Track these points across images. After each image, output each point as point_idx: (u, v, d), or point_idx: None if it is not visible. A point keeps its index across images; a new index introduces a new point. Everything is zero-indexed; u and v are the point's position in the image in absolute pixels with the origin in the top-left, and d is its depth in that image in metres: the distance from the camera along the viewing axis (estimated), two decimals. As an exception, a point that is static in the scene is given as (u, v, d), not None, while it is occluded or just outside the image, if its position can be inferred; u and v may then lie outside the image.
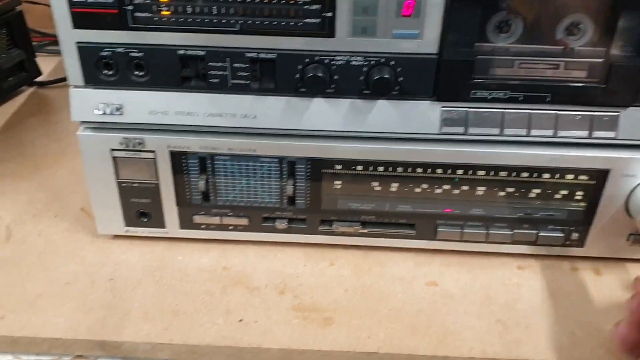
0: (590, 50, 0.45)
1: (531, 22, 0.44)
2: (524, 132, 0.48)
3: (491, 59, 0.45)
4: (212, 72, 0.46)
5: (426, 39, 0.44)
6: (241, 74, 0.46)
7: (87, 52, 0.45)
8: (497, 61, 0.46)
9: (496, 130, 0.48)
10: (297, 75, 0.46)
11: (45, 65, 0.83)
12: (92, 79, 0.47)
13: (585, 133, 0.48)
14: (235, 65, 0.46)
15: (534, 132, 0.48)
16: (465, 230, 0.53)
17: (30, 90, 0.81)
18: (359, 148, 0.49)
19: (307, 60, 0.45)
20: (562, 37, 0.45)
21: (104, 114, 0.48)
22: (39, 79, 0.82)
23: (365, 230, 0.53)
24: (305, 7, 0.43)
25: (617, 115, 0.47)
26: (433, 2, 0.43)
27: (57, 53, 0.86)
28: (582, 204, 0.51)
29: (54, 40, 0.88)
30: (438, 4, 0.43)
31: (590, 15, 0.44)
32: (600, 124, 0.47)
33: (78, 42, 0.45)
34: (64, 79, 0.81)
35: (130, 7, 0.44)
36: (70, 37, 0.45)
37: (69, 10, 0.44)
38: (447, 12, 0.43)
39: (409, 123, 0.48)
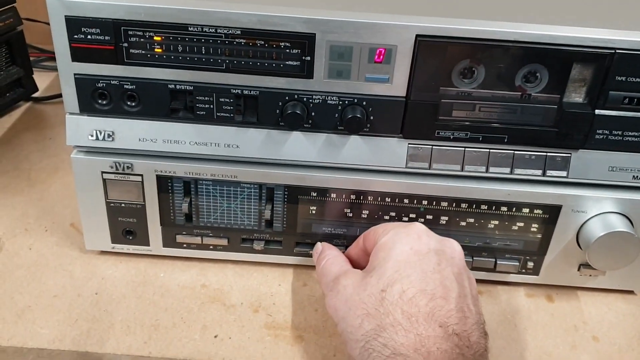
0: (545, 97, 0.50)
1: (492, 70, 0.49)
2: (483, 169, 0.52)
3: (454, 103, 0.50)
4: (199, 105, 0.50)
5: (395, 83, 0.49)
6: (226, 107, 0.50)
7: (83, 83, 0.49)
8: (460, 104, 0.50)
9: (458, 167, 0.52)
10: (278, 111, 0.50)
11: (42, 80, 0.86)
12: (87, 107, 0.50)
13: (539, 172, 0.52)
14: (221, 99, 0.50)
15: (492, 169, 0.52)
16: (429, 257, 0.57)
17: (27, 105, 0.84)
18: (333, 178, 0.53)
19: (287, 98, 0.50)
20: (520, 84, 0.50)
21: (97, 139, 0.52)
22: (36, 94, 0.85)
23: (336, 254, 0.57)
24: (287, 50, 0.47)
25: (569, 156, 0.52)
26: (402, 51, 0.47)
27: (54, 69, 0.90)
28: (537, 235, 0.56)
29: (51, 57, 0.92)
30: (406, 53, 0.47)
31: (546, 66, 0.48)
32: (553, 164, 0.52)
33: (76, 74, 0.49)
34: (60, 95, 0.84)
35: (125, 44, 0.47)
36: (68, 68, 0.49)
37: (69, 45, 0.47)
38: (414, 60, 0.47)
39: (379, 157, 0.52)
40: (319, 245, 0.55)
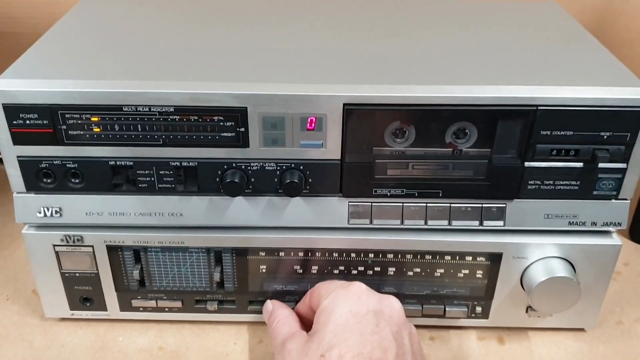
0: (476, 152, 0.51)
1: (422, 130, 0.50)
2: (421, 222, 0.54)
3: (388, 162, 0.51)
4: (140, 178, 0.52)
5: (329, 147, 0.50)
6: (167, 179, 0.52)
7: (26, 165, 0.51)
8: (394, 164, 0.51)
9: (397, 221, 0.54)
10: (217, 179, 0.52)
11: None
12: (33, 186, 0.52)
13: (476, 222, 0.54)
14: (161, 172, 0.51)
15: (430, 222, 0.54)
16: (380, 306, 0.58)
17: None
18: (279, 238, 0.55)
19: (225, 167, 0.51)
20: (451, 140, 0.51)
21: (45, 216, 0.53)
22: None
23: (290, 308, 0.59)
24: (221, 123, 0.49)
25: (504, 206, 0.53)
26: (332, 117, 0.49)
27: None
28: (483, 281, 0.57)
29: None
30: (336, 120, 0.49)
31: (474, 123, 0.50)
32: (489, 214, 0.53)
33: (18, 156, 0.50)
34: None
35: (64, 127, 0.49)
36: (11, 152, 0.50)
37: (9, 130, 0.49)
38: (344, 126, 0.49)
39: (321, 216, 0.54)
40: (269, 304, 0.56)
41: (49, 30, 0.58)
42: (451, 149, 0.51)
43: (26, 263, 0.67)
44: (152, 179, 0.52)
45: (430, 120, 0.50)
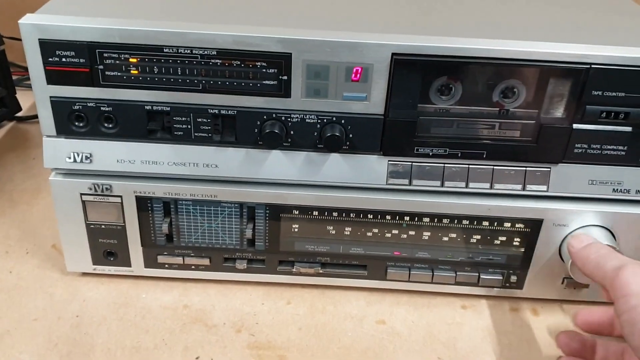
0: (523, 112, 0.50)
1: (469, 87, 0.49)
2: (462, 184, 0.52)
3: (432, 119, 0.50)
4: (176, 125, 0.50)
5: (373, 101, 0.49)
6: (204, 127, 0.50)
7: (59, 106, 0.49)
8: (438, 121, 0.50)
9: (437, 183, 0.52)
10: (256, 130, 0.50)
11: (25, 99, 0.86)
12: (64, 130, 0.50)
13: (519, 186, 0.52)
14: (198, 120, 0.50)
15: (472, 184, 0.52)
16: (412, 272, 0.57)
17: (10, 125, 0.84)
18: (314, 196, 0.53)
19: (265, 117, 0.49)
20: (498, 99, 0.50)
21: (75, 161, 0.51)
22: (19, 113, 0.84)
23: (320, 271, 0.57)
24: (263, 70, 0.47)
25: (548, 170, 0.52)
26: (378, 68, 0.47)
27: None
28: (520, 249, 0.55)
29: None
30: (383, 71, 0.47)
31: (523, 81, 0.48)
32: (532, 178, 0.52)
33: (51, 97, 0.48)
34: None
35: (100, 67, 0.47)
36: (44, 91, 0.48)
37: (44, 68, 0.47)
38: (391, 78, 0.47)
39: (359, 175, 0.52)
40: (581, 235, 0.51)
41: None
42: (498, 109, 0.50)
43: (45, 218, 0.66)
44: (189, 126, 0.50)
45: (477, 77, 0.48)
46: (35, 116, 0.84)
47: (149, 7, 0.50)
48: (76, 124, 0.50)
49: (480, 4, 0.55)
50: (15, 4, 0.90)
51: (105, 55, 0.47)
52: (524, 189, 0.52)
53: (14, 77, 0.83)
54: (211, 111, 0.49)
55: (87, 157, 0.52)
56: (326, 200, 0.53)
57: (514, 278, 0.57)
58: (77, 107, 0.49)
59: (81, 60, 0.47)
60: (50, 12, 0.47)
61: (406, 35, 0.47)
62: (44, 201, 0.69)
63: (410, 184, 0.52)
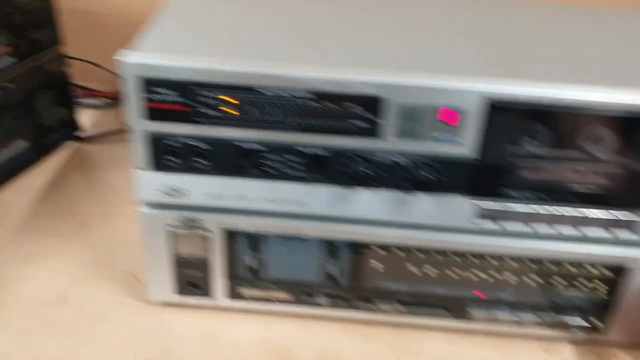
0: (613, 158, 0.49)
1: (559, 132, 0.48)
2: (549, 228, 0.52)
3: (521, 163, 0.49)
4: (268, 163, 0.50)
5: (464, 143, 0.49)
6: (295, 165, 0.50)
7: (155, 141, 0.50)
8: (527, 165, 0.49)
9: (524, 226, 0.52)
10: (346, 169, 0.50)
11: (85, 118, 0.88)
12: (158, 164, 0.51)
13: (605, 232, 0.51)
14: (290, 158, 0.50)
15: (558, 228, 0.52)
16: (494, 313, 0.56)
17: (72, 145, 0.85)
18: (399, 235, 0.53)
19: (355, 156, 0.50)
20: (587, 145, 0.49)
21: (166, 195, 0.52)
22: (80, 134, 0.85)
23: (401, 309, 0.57)
24: (356, 112, 0.48)
25: (637, 216, 0.51)
26: (472, 112, 0.47)
27: (96, 107, 0.92)
28: (606, 294, 0.54)
29: (94, 94, 0.93)
30: (476, 115, 0.47)
31: (612, 129, 0.48)
32: (620, 225, 0.51)
33: (148, 132, 0.50)
34: (104, 134, 0.86)
35: (199, 105, 0.48)
36: (141, 127, 0.49)
37: (143, 105, 0.48)
38: (483, 122, 0.47)
39: (446, 215, 0.52)
40: None
41: (167, 4, 0.58)
42: (586, 154, 0.49)
43: (118, 244, 0.67)
44: (280, 164, 0.50)
45: (568, 123, 0.48)
46: (97, 136, 0.86)
47: (243, 43, 0.51)
48: (169, 159, 0.51)
49: (570, 45, 0.55)
50: (83, 25, 0.91)
51: (205, 94, 0.48)
52: (610, 234, 0.51)
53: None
54: (303, 150, 0.50)
55: (177, 191, 0.52)
56: (411, 239, 0.53)
57: (599, 322, 0.56)
58: (173, 143, 0.50)
59: (180, 99, 0.48)
60: (149, 49, 0.48)
61: (501, 78, 0.47)
62: (114, 225, 0.70)
63: (496, 226, 0.52)
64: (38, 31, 0.69)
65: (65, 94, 0.80)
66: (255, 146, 0.50)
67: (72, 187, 0.77)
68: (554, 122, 0.48)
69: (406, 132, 0.48)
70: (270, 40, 0.53)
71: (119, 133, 0.86)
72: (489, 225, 0.52)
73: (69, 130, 0.83)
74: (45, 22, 0.70)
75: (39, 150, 0.77)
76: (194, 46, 0.50)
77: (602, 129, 0.48)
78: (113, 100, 0.94)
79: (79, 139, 0.85)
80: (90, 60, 0.87)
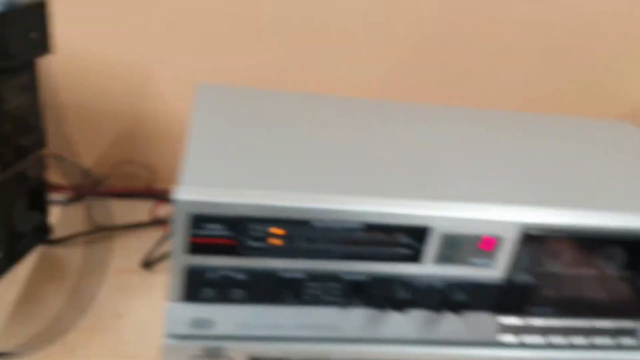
0: (630, 277, 0.54)
1: (582, 253, 0.53)
2: (565, 341, 0.55)
3: (545, 282, 0.53)
4: (307, 291, 0.50)
5: (497, 267, 0.51)
6: (334, 292, 0.50)
7: (196, 275, 0.48)
8: (550, 284, 0.53)
9: (542, 338, 0.55)
10: (384, 294, 0.51)
11: (51, 217, 0.81)
12: (193, 296, 0.49)
13: (611, 340, 0.56)
14: (329, 285, 0.50)
15: (575, 340, 0.56)
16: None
17: (39, 249, 0.78)
18: (430, 352, 0.54)
19: (394, 281, 0.51)
20: (609, 267, 0.54)
21: (195, 327, 0.50)
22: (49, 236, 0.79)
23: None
24: (400, 240, 0.49)
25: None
26: (507, 240, 0.50)
27: (61, 203, 0.84)
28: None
29: (58, 189, 0.87)
30: (511, 242, 0.50)
31: (624, 251, 0.53)
32: (623, 333, 0.56)
33: (189, 266, 0.47)
34: (74, 236, 0.80)
35: (246, 238, 0.47)
36: (183, 261, 0.47)
37: (189, 239, 0.46)
38: (517, 248, 0.51)
39: (471, 331, 0.54)
40: None
41: (191, 129, 0.56)
42: (608, 273, 0.54)
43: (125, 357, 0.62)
44: (320, 291, 0.50)
45: (590, 247, 0.52)
46: (66, 238, 0.80)
47: (285, 173, 0.51)
48: (206, 290, 0.49)
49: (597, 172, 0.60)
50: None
51: (253, 227, 0.47)
52: (616, 341, 0.56)
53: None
54: (343, 277, 0.50)
55: (208, 323, 0.50)
56: (441, 356, 0.55)
57: None
58: (213, 275, 0.48)
59: (229, 232, 0.46)
60: (197, 184, 0.47)
61: (538, 209, 0.50)
62: (101, 342, 0.65)
63: (520, 339, 0.55)
64: (23, 137, 0.63)
65: (40, 198, 0.73)
66: (298, 275, 0.49)
67: (48, 300, 0.68)
68: (577, 245, 0.52)
69: (446, 258, 0.50)
70: (312, 167, 0.52)
71: (88, 234, 0.80)
72: (511, 339, 0.55)
73: (40, 233, 0.75)
74: (32, 126, 0.64)
75: (11, 259, 0.70)
76: (239, 179, 0.48)
77: (618, 249, 0.53)
78: (77, 195, 0.87)
79: (49, 242, 0.78)
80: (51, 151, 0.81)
